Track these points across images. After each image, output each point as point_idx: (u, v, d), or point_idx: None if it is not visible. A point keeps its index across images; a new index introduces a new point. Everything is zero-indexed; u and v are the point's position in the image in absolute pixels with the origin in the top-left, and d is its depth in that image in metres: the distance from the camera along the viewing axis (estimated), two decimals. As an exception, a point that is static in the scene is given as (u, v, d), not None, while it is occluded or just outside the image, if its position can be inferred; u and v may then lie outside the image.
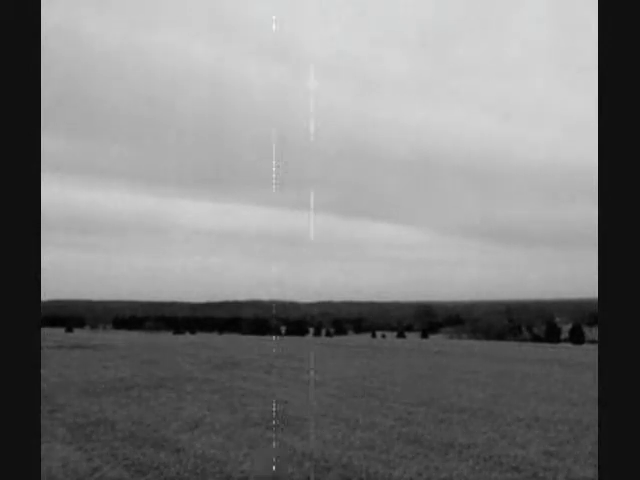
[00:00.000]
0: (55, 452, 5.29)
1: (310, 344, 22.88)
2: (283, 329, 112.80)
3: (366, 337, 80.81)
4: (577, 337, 76.11)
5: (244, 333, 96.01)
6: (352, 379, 10.70)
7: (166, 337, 36.03)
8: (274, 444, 5.67)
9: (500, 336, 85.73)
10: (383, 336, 79.36)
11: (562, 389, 10.04)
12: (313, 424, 6.58)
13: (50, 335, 25.23)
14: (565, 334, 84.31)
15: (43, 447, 5.36)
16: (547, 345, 37.18)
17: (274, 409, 7.46)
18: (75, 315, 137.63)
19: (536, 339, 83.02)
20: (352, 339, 55.35)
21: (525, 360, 16.70)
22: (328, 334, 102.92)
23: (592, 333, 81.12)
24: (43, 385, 9.05)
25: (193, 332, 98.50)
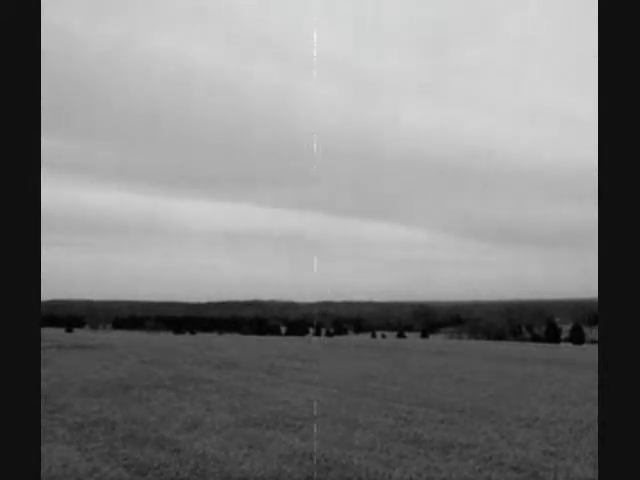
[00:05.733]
0: (55, 452, 5.29)
1: (310, 344, 22.88)
2: (283, 329, 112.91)
3: (366, 337, 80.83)
4: (577, 337, 76.10)
5: (244, 333, 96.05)
6: (352, 379, 10.70)
7: (166, 337, 36.03)
8: (274, 444, 5.67)
9: (500, 336, 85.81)
10: (383, 336, 79.41)
11: (562, 389, 10.03)
12: (313, 424, 6.58)
13: (50, 335, 25.22)
14: (565, 334, 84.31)
15: (43, 447, 5.36)
16: (547, 345, 37.19)
17: (274, 409, 7.46)
18: (75, 315, 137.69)
19: (536, 339, 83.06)
20: (352, 339, 55.35)
21: (525, 360, 16.70)
22: (328, 334, 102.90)
23: (592, 333, 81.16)
24: (43, 385, 9.05)
25: (193, 332, 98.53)
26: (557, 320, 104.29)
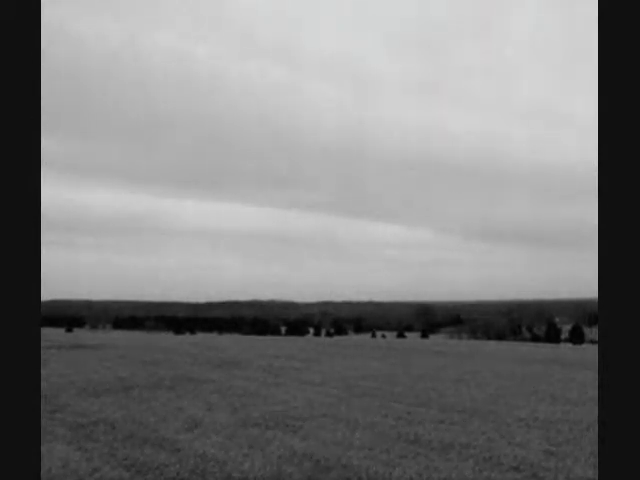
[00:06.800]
0: (55, 452, 5.29)
1: (310, 344, 22.87)
2: (283, 329, 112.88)
3: (366, 337, 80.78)
4: (577, 337, 76.05)
5: (244, 333, 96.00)
6: (352, 379, 10.70)
7: (166, 337, 36.01)
8: (274, 444, 5.67)
9: (500, 336, 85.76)
10: (383, 336, 79.34)
11: (562, 389, 10.03)
12: (313, 424, 6.58)
13: (50, 335, 25.21)
14: (565, 334, 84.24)
15: (43, 447, 5.36)
16: (547, 345, 37.17)
17: (274, 409, 7.46)
18: (75, 315, 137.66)
19: (536, 339, 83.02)
20: (352, 339, 55.30)
21: (525, 360, 16.69)
22: (328, 334, 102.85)
23: (592, 333, 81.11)
24: (43, 385, 9.05)
25: (193, 332, 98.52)
26: (557, 320, 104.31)
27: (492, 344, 31.65)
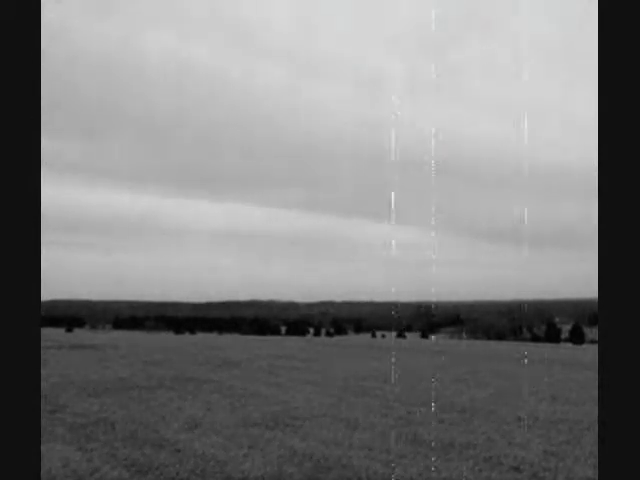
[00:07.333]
0: (55, 452, 5.29)
1: (310, 344, 22.87)
2: (283, 329, 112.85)
3: (366, 337, 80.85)
4: (577, 337, 76.02)
5: (244, 333, 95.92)
6: (352, 379, 10.70)
7: (166, 337, 36.02)
8: (274, 444, 5.67)
9: (500, 336, 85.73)
10: (383, 336, 79.46)
11: (562, 389, 10.03)
12: (313, 424, 6.58)
13: (50, 335, 25.22)
14: (565, 334, 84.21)
15: (43, 447, 5.36)
16: (547, 345, 37.16)
17: (274, 409, 7.46)
18: (75, 315, 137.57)
19: (536, 339, 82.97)
20: (352, 339, 55.33)
21: (525, 360, 16.69)
22: (328, 334, 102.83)
23: (592, 333, 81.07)
24: (43, 385, 9.05)
25: (193, 332, 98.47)
26: (557, 320, 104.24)
27: (492, 344, 31.65)
